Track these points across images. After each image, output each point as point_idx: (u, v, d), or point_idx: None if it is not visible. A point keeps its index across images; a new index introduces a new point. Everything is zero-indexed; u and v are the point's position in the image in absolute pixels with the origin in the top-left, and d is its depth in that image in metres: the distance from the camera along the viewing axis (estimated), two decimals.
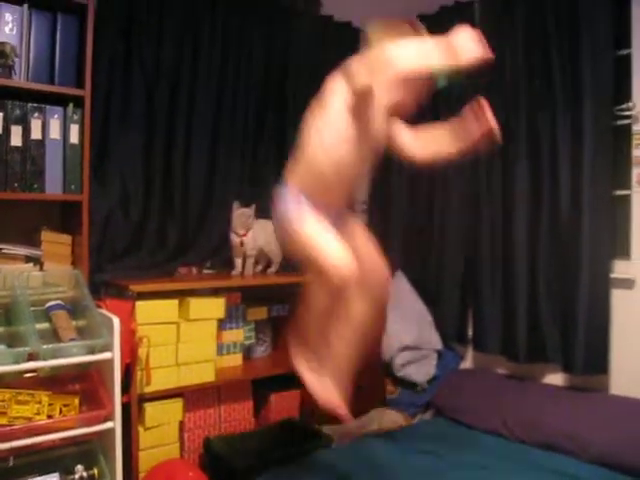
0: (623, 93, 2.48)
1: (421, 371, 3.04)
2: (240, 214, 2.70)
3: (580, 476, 2.15)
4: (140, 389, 2.28)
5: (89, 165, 2.30)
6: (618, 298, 2.50)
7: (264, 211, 3.03)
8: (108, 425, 2.02)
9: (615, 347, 2.51)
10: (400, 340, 2.99)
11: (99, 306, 2.15)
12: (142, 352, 2.27)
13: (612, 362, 2.52)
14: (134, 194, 2.70)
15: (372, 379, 3.04)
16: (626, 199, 2.51)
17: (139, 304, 2.27)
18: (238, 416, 2.67)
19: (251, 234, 2.73)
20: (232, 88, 2.97)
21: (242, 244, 2.73)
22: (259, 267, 2.89)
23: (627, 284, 2.48)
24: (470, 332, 3.00)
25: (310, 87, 3.33)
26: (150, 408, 2.36)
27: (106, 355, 2.00)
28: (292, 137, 3.19)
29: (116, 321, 2.00)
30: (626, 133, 2.49)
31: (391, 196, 3.27)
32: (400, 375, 3.02)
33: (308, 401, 2.80)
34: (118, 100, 2.61)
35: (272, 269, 2.93)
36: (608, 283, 2.49)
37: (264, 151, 3.18)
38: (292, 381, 2.84)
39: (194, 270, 2.77)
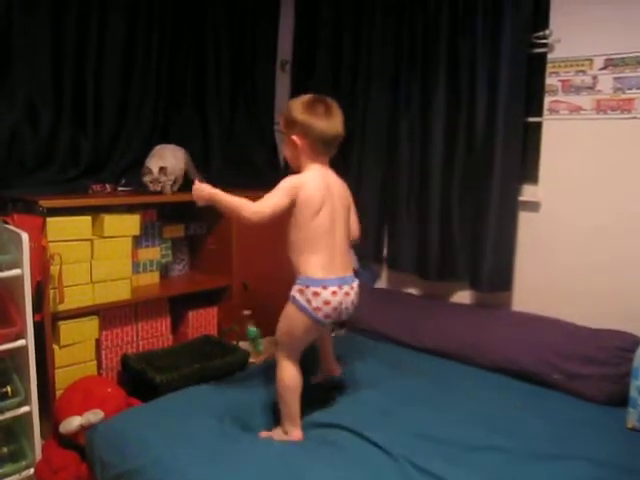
0: (541, 21, 2.52)
1: None
2: (154, 178, 2.63)
3: (481, 381, 2.33)
4: (53, 307, 2.23)
5: None
6: (524, 220, 2.63)
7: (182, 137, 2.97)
8: (20, 343, 1.98)
9: (519, 266, 2.67)
10: None
11: (6, 222, 2.05)
12: (54, 270, 2.20)
13: (515, 280, 2.69)
14: (42, 107, 2.54)
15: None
16: (537, 126, 2.60)
17: (50, 220, 2.19)
18: (156, 333, 2.68)
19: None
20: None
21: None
22: (176, 187, 2.82)
23: (533, 207, 2.61)
24: (385, 252, 3.09)
25: (230, 6, 3.21)
26: (64, 326, 2.32)
27: (15, 272, 1.94)
28: (212, 54, 3.11)
29: (25, 237, 1.93)
30: (541, 61, 2.55)
31: None
32: None
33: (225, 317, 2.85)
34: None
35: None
36: (516, 206, 2.60)
37: (181, 67, 3.05)
38: (209, 298, 2.88)
39: (108, 187, 2.68)
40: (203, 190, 1.90)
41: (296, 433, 1.90)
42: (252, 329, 2.02)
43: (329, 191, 1.92)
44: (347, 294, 1.92)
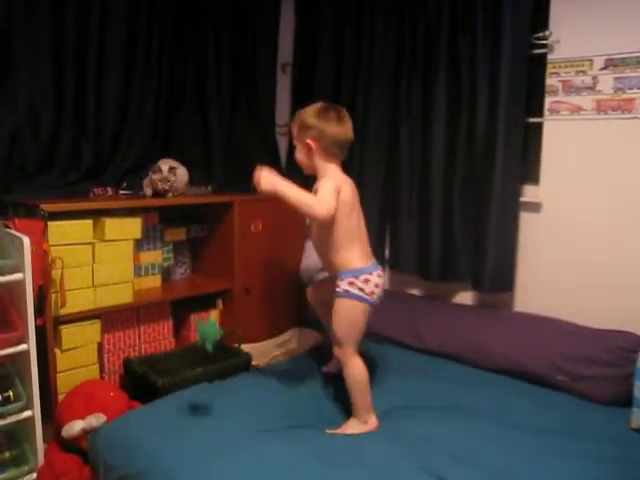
0: (541, 22, 2.52)
1: None
2: (163, 177, 2.64)
3: (484, 382, 2.34)
4: (55, 311, 2.22)
5: None
6: (526, 221, 2.63)
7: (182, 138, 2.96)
8: (22, 347, 1.98)
9: (520, 267, 2.67)
10: (319, 260, 3.03)
11: (7, 226, 2.05)
12: (56, 274, 2.19)
13: (517, 281, 2.68)
14: (43, 109, 2.53)
15: (290, 299, 3.11)
16: (538, 127, 2.60)
17: (51, 224, 2.18)
18: (158, 336, 2.68)
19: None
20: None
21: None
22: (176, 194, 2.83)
23: (535, 208, 2.60)
24: (387, 252, 3.09)
25: (230, 6, 3.20)
26: (66, 330, 2.32)
27: (17, 276, 1.93)
28: (212, 54, 3.11)
29: (26, 241, 1.93)
30: (542, 62, 2.54)
31: None
32: None
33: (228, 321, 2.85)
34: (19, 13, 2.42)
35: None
36: (517, 206, 2.60)
37: (182, 68, 3.05)
38: (211, 302, 2.88)
39: (109, 191, 2.68)
40: (273, 182, 1.95)
41: (373, 419, 2.02)
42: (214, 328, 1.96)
43: (353, 188, 2.11)
44: (382, 276, 2.13)
